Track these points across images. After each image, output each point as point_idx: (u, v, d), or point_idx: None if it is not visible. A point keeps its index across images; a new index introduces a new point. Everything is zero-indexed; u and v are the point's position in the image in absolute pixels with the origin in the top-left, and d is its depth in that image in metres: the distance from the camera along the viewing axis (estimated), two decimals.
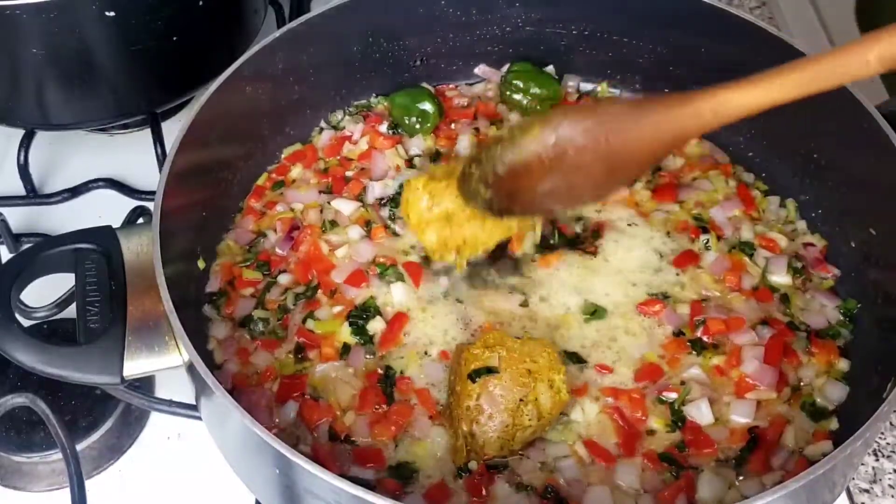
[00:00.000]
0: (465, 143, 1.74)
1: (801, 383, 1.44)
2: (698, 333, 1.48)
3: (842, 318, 1.53)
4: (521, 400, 1.33)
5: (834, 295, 1.55)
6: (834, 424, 1.40)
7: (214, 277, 1.56)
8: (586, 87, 1.87)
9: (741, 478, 1.35)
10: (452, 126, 1.79)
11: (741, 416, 1.40)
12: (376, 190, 1.66)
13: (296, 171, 1.72)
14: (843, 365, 1.47)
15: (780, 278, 1.56)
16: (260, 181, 1.71)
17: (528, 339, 1.40)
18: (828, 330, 1.51)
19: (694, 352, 1.46)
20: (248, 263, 1.58)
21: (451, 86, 1.87)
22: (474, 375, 1.34)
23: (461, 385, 1.36)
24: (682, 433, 1.38)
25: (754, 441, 1.37)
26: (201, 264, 1.56)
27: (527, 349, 1.37)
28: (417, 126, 1.76)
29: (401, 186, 1.65)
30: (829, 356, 1.47)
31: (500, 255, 1.58)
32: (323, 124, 1.80)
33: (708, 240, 1.58)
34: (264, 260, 1.58)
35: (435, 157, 1.73)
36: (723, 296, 1.53)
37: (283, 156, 1.75)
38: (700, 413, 1.39)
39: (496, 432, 1.33)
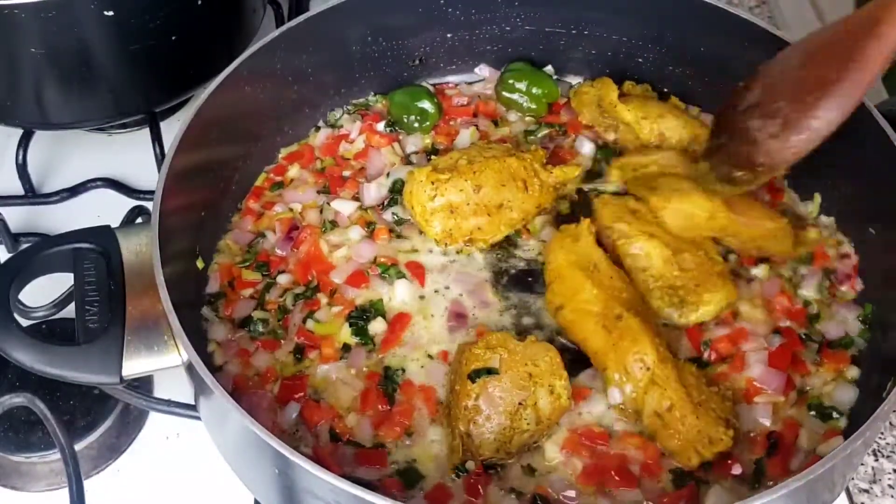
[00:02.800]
0: (465, 139, 1.74)
1: (808, 388, 1.43)
2: (705, 356, 1.47)
3: (862, 327, 1.49)
4: (519, 403, 1.33)
5: (854, 304, 1.53)
6: (843, 422, 1.39)
7: (213, 278, 1.56)
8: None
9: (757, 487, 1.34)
10: (451, 124, 1.79)
11: (760, 418, 1.38)
12: (371, 191, 1.66)
13: (293, 171, 1.72)
14: (853, 372, 1.45)
15: (808, 292, 1.53)
16: (258, 182, 1.71)
17: (531, 341, 1.39)
18: (841, 340, 1.48)
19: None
20: (248, 264, 1.58)
21: (450, 84, 1.87)
22: (474, 376, 1.34)
23: (461, 384, 1.35)
24: None
25: (774, 446, 1.37)
26: (200, 264, 1.56)
27: (529, 352, 1.36)
28: (416, 125, 1.76)
29: (395, 185, 1.66)
30: (839, 365, 1.45)
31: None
32: (321, 123, 1.80)
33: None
34: (263, 260, 1.58)
35: (432, 153, 1.73)
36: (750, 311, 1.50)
37: (280, 156, 1.75)
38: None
39: (493, 434, 1.33)
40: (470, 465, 1.33)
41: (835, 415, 1.40)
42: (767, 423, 1.38)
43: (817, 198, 1.64)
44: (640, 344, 1.38)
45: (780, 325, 1.49)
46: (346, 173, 1.71)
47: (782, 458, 1.36)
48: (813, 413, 1.40)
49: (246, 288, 1.55)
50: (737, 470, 1.34)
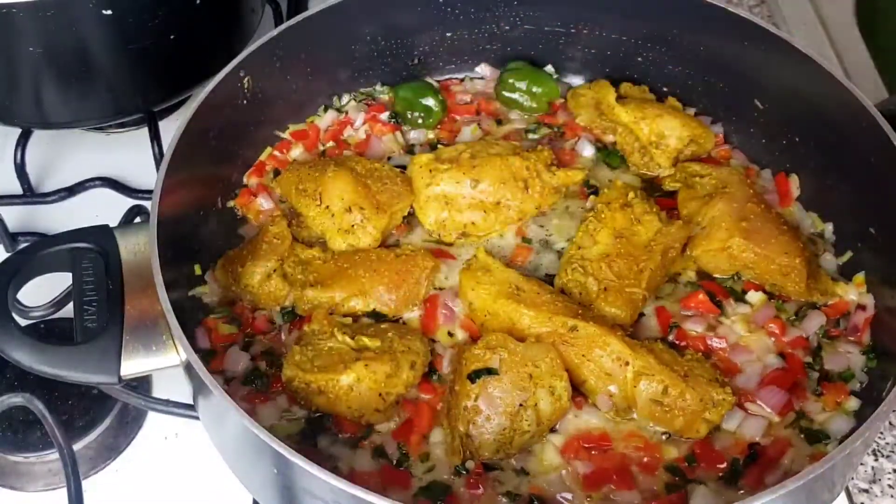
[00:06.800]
0: (466, 137, 1.74)
1: (805, 413, 1.41)
2: (671, 337, 1.47)
3: (867, 362, 1.46)
4: (520, 404, 1.32)
5: (859, 343, 1.49)
6: (832, 447, 1.36)
7: (200, 335, 1.48)
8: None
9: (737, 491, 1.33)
10: (456, 121, 1.79)
11: (752, 432, 1.37)
12: None
13: (296, 151, 1.73)
14: (852, 404, 1.41)
15: (808, 331, 1.49)
16: (263, 157, 1.71)
17: (532, 342, 1.39)
18: (842, 373, 1.45)
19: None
20: (222, 316, 1.52)
21: (455, 80, 1.87)
22: (474, 376, 1.34)
23: (460, 385, 1.35)
24: (692, 446, 1.37)
25: (753, 457, 1.36)
26: (198, 270, 1.55)
27: (529, 353, 1.36)
28: (420, 121, 1.77)
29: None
30: (839, 397, 1.42)
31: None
32: (336, 103, 1.81)
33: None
34: (238, 313, 1.52)
35: (433, 147, 1.73)
36: (747, 335, 1.48)
37: (286, 132, 1.75)
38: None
39: (493, 434, 1.32)
40: (469, 464, 1.33)
41: (824, 440, 1.37)
42: (758, 438, 1.37)
43: (828, 227, 1.63)
44: (611, 344, 1.37)
45: (785, 351, 1.47)
46: (347, 153, 1.72)
47: (760, 470, 1.34)
48: (803, 436, 1.38)
49: (226, 341, 1.49)
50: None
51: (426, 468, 1.35)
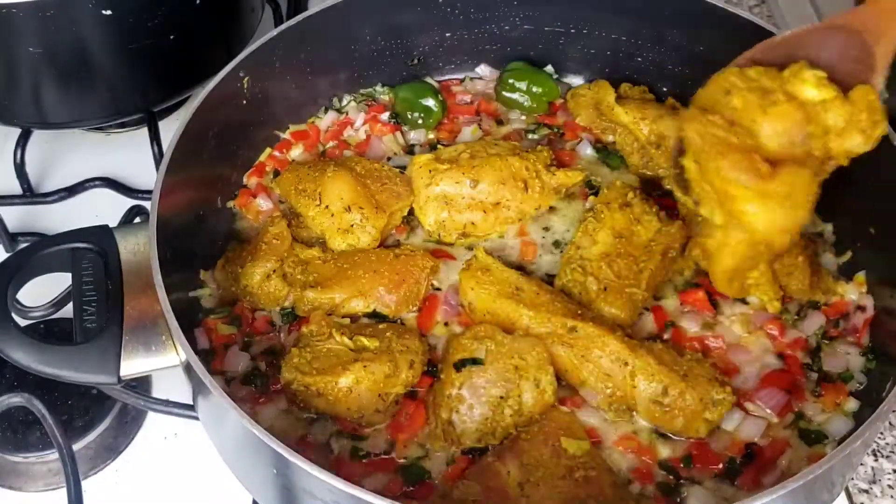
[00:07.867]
0: (466, 137, 1.75)
1: (805, 414, 1.41)
2: (666, 335, 1.47)
3: (866, 363, 1.46)
4: (500, 397, 1.33)
5: (858, 344, 1.49)
6: (830, 448, 1.36)
7: (200, 335, 1.48)
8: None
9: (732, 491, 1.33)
10: (456, 121, 1.79)
11: (751, 433, 1.37)
12: None
13: (296, 151, 1.73)
14: (851, 405, 1.41)
15: (807, 332, 1.49)
16: (262, 157, 1.71)
17: (520, 335, 1.39)
18: (841, 374, 1.45)
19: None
20: (223, 316, 1.51)
21: (455, 80, 1.87)
22: (459, 365, 1.35)
23: (446, 373, 1.36)
24: (689, 447, 1.36)
25: (750, 457, 1.35)
26: (203, 274, 1.55)
27: (517, 345, 1.37)
28: (420, 122, 1.77)
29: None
30: (838, 398, 1.41)
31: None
32: (336, 103, 1.82)
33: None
34: (238, 313, 1.52)
35: (433, 147, 1.73)
36: (746, 335, 1.48)
37: (288, 132, 1.75)
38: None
39: (475, 423, 1.33)
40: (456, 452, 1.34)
41: (823, 441, 1.37)
42: (757, 438, 1.37)
43: (828, 227, 1.62)
44: (609, 345, 1.37)
45: (784, 352, 1.46)
46: (348, 153, 1.72)
47: (757, 470, 1.34)
48: (801, 437, 1.38)
49: (226, 342, 1.49)
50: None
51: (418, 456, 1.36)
